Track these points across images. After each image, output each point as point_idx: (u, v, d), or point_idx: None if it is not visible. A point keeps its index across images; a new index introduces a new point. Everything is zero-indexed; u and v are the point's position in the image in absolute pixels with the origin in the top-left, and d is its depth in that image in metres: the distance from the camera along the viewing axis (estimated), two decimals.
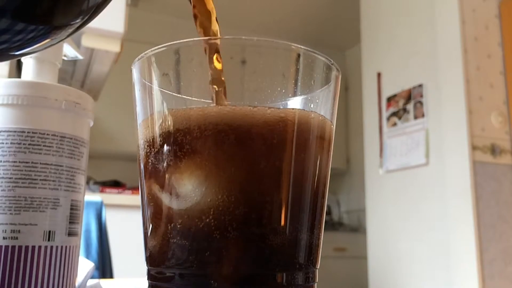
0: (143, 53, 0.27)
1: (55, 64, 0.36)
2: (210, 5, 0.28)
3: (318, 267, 0.27)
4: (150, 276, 0.26)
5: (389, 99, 2.31)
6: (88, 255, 1.16)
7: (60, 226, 0.32)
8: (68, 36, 0.21)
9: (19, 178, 0.31)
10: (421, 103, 2.11)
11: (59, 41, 0.22)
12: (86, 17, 0.21)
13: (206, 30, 0.28)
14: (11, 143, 0.31)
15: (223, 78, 0.27)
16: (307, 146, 0.26)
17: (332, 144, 0.29)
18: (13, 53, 0.21)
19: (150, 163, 0.26)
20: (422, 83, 2.11)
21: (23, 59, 0.36)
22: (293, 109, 0.26)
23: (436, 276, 1.94)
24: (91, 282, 0.43)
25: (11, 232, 0.30)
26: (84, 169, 0.35)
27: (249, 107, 0.25)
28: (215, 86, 0.27)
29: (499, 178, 1.87)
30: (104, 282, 0.50)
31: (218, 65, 0.26)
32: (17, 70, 1.46)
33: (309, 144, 0.26)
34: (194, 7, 0.28)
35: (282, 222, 0.24)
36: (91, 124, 0.36)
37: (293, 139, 0.25)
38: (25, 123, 0.31)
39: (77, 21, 0.20)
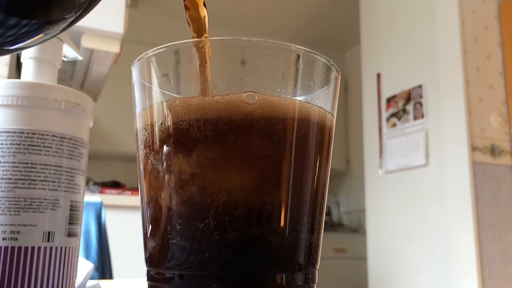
0: (143, 54, 0.27)
1: (55, 65, 0.36)
2: (203, 12, 0.28)
3: (317, 268, 0.27)
4: (149, 277, 0.26)
5: (389, 100, 2.31)
6: (87, 256, 1.16)
7: (60, 227, 0.32)
8: (61, 31, 0.22)
9: (19, 179, 0.31)
10: (420, 103, 2.11)
11: (52, 36, 0.22)
12: (79, 12, 0.21)
13: (199, 33, 0.28)
14: (10, 143, 0.31)
15: (209, 79, 0.27)
16: (307, 144, 0.26)
17: (332, 141, 0.29)
18: (7, 48, 0.21)
19: (149, 164, 0.26)
20: (422, 83, 2.11)
21: (22, 59, 0.36)
22: (293, 100, 0.26)
23: (435, 277, 1.94)
24: (90, 283, 0.43)
25: (10, 233, 0.30)
26: (83, 170, 0.35)
27: (247, 99, 0.25)
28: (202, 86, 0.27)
29: (499, 178, 1.87)
30: (103, 283, 0.50)
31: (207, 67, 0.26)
32: (17, 71, 1.46)
33: (309, 141, 0.26)
34: (187, 9, 0.28)
35: (282, 223, 0.24)
36: (91, 124, 0.36)
37: (293, 137, 0.25)
38: (25, 123, 0.31)
39: (70, 15, 0.20)
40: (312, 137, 0.26)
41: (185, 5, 0.28)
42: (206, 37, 0.29)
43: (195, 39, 0.27)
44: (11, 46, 0.21)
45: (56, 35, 0.22)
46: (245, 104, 0.25)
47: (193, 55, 0.26)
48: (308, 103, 0.27)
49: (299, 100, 0.26)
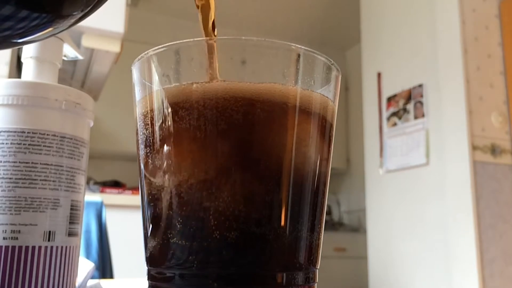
0: (143, 54, 0.27)
1: (55, 64, 0.36)
2: (212, 11, 0.29)
3: (318, 267, 0.27)
4: (150, 276, 0.26)
5: (389, 99, 2.31)
6: (88, 255, 1.16)
7: (60, 226, 0.32)
8: (70, 26, 0.22)
9: (19, 179, 0.31)
10: (421, 103, 2.11)
11: (60, 31, 0.22)
12: (89, 8, 0.21)
13: (205, 16, 0.29)
14: (11, 143, 0.31)
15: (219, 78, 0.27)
16: (308, 137, 0.26)
17: (333, 134, 0.29)
18: (15, 40, 0.21)
19: (150, 163, 0.26)
20: (422, 83, 2.11)
21: (23, 59, 0.36)
22: (294, 88, 0.26)
23: (436, 276, 1.94)
24: (91, 282, 0.43)
25: (11, 232, 0.30)
26: (84, 169, 0.35)
27: (249, 89, 0.25)
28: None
29: (499, 178, 1.87)
30: (104, 282, 0.50)
31: (215, 65, 0.26)
32: (17, 70, 1.46)
33: (310, 133, 0.26)
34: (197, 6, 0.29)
35: (282, 222, 0.24)
36: (91, 124, 0.36)
37: (293, 136, 0.25)
38: (25, 123, 0.31)
39: (80, 11, 0.21)
40: (313, 127, 0.26)
41: None
42: (213, 22, 0.29)
43: (196, 39, 0.27)
44: (20, 39, 0.21)
45: (64, 30, 0.22)
46: (247, 106, 0.24)
47: (201, 50, 0.26)
48: (309, 90, 0.26)
49: (301, 88, 0.26)
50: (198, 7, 0.29)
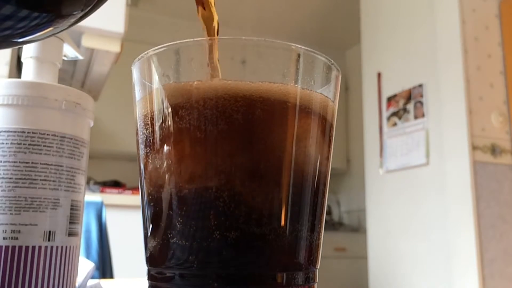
0: (143, 54, 0.27)
1: (55, 64, 0.36)
2: (214, 12, 0.29)
3: (318, 267, 0.27)
4: (150, 276, 0.26)
5: (389, 99, 2.31)
6: (88, 255, 1.16)
7: (60, 226, 0.32)
8: (70, 26, 0.22)
9: (19, 178, 0.31)
10: (421, 103, 2.11)
11: (60, 31, 0.22)
12: (89, 8, 0.21)
13: (209, 26, 0.29)
14: (11, 143, 0.31)
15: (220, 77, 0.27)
16: (309, 135, 0.26)
17: (333, 133, 0.29)
18: (15, 40, 0.21)
19: (150, 163, 0.26)
20: (422, 83, 2.11)
21: (23, 59, 0.36)
22: (294, 87, 0.26)
23: (436, 276, 1.94)
24: (91, 282, 0.43)
25: (11, 232, 0.30)
26: (84, 169, 0.35)
27: (249, 89, 0.25)
28: None
29: (499, 178, 1.87)
30: (104, 282, 0.50)
31: (217, 65, 0.26)
32: (17, 70, 1.46)
33: (311, 131, 0.26)
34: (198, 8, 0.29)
35: (282, 222, 0.24)
36: (91, 124, 0.36)
37: (293, 136, 0.25)
38: (25, 123, 0.31)
39: (81, 10, 0.21)
40: (314, 127, 0.26)
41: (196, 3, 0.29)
42: (215, 27, 0.29)
43: (196, 39, 0.27)
44: (20, 38, 0.21)
45: (64, 29, 0.22)
46: (246, 106, 0.25)
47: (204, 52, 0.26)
48: (309, 90, 0.26)
49: (301, 88, 0.26)
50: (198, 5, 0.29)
